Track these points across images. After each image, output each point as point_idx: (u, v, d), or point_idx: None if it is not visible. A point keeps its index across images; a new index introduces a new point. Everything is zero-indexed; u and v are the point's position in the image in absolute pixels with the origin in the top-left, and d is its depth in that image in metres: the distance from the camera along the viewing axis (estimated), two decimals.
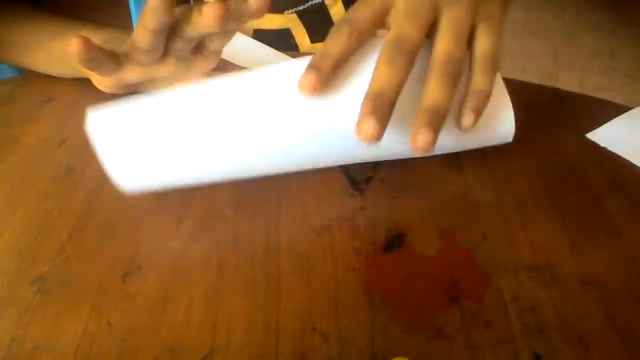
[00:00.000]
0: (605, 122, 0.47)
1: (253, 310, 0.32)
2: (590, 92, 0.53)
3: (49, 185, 0.40)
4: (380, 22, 0.38)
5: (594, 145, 0.45)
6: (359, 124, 0.33)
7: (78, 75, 0.48)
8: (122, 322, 0.31)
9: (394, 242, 0.36)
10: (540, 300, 0.33)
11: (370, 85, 0.34)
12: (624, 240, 0.37)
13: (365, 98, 0.34)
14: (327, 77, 0.35)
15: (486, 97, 0.36)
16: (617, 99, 0.51)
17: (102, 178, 0.41)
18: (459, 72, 0.35)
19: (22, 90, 0.51)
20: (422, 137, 0.33)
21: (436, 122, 0.34)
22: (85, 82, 0.52)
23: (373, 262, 0.35)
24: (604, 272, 0.34)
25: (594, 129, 0.46)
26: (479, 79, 0.36)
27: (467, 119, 0.36)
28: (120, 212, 0.38)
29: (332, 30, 0.37)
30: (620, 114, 0.47)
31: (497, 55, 0.37)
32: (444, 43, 0.35)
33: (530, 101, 0.50)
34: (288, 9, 0.64)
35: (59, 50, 0.47)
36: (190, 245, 0.36)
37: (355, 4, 0.38)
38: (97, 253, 0.35)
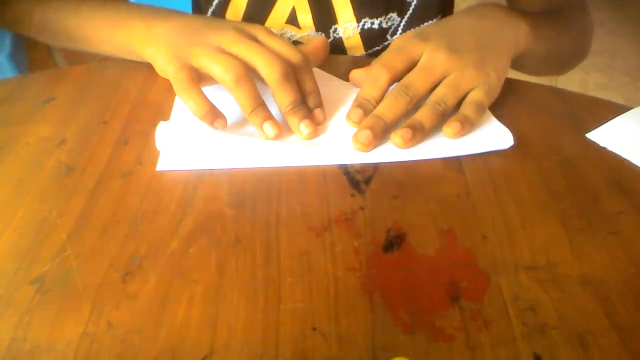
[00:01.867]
0: (605, 122, 0.47)
1: (253, 310, 0.32)
2: (590, 92, 0.53)
3: (49, 185, 0.40)
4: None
5: (594, 145, 0.45)
6: (356, 133, 0.42)
7: (141, 60, 0.50)
8: (122, 322, 0.31)
9: (394, 242, 0.36)
10: (540, 300, 0.33)
11: (376, 108, 0.44)
12: (624, 240, 0.37)
13: (368, 116, 0.43)
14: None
15: (469, 120, 0.43)
16: (617, 98, 0.51)
17: (102, 178, 0.41)
18: (445, 111, 0.43)
19: (22, 90, 0.51)
20: (402, 132, 0.42)
21: (416, 129, 0.42)
22: (85, 82, 0.52)
23: (373, 262, 0.35)
24: (604, 272, 0.34)
25: (594, 129, 0.46)
26: (464, 109, 0.44)
27: (453, 126, 0.43)
28: (120, 212, 0.38)
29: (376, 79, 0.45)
30: (620, 114, 0.47)
31: (482, 105, 0.44)
32: (440, 89, 0.44)
33: (530, 101, 0.50)
34: None
35: (121, 40, 0.50)
36: (190, 245, 0.36)
37: (391, 51, 0.46)
38: (97, 253, 0.35)
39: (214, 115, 0.43)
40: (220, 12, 0.63)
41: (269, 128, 0.42)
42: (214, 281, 0.34)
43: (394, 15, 0.62)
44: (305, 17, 0.61)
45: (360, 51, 0.64)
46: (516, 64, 0.52)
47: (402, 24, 0.62)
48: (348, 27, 0.61)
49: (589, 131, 0.46)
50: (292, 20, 0.61)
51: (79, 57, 0.55)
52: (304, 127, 0.43)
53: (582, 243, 0.36)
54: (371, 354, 0.30)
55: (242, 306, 0.32)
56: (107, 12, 0.51)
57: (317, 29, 0.62)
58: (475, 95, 0.45)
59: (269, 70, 0.43)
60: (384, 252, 0.35)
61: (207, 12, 0.64)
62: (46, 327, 0.31)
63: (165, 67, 0.45)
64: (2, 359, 0.30)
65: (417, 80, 0.44)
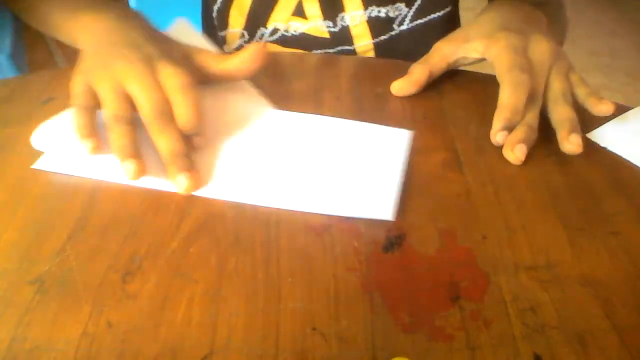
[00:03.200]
0: (605, 122, 0.47)
1: (253, 310, 0.32)
2: None
3: (49, 185, 0.40)
4: None
5: (594, 145, 0.45)
6: (515, 148, 0.42)
7: None
8: (122, 322, 0.31)
9: (394, 242, 0.36)
10: (540, 300, 0.33)
11: (525, 117, 0.44)
12: (624, 240, 0.37)
13: (520, 127, 0.43)
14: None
15: (575, 122, 0.43)
16: (617, 98, 0.51)
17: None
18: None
19: (22, 90, 0.51)
20: (518, 151, 0.42)
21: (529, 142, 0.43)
22: None
23: (373, 262, 0.35)
24: (604, 272, 0.34)
25: (594, 129, 0.46)
26: (561, 111, 0.44)
27: (573, 138, 0.42)
28: (120, 212, 0.38)
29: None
30: (620, 114, 0.47)
31: (569, 92, 0.45)
32: (560, 84, 0.46)
33: None
34: (316, 50, 0.64)
35: (67, 32, 0.50)
36: (190, 245, 0.36)
37: (506, 53, 0.46)
38: (97, 253, 0.35)
39: (90, 136, 0.41)
40: (225, 8, 0.63)
41: (129, 169, 0.39)
42: (214, 281, 0.34)
43: (401, 5, 0.62)
44: (313, 8, 0.61)
45: (367, 39, 0.64)
46: None
47: (409, 14, 0.62)
48: (355, 15, 0.61)
49: (589, 131, 0.46)
50: (299, 11, 0.61)
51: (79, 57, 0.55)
52: (183, 179, 0.39)
53: (582, 243, 0.36)
54: (371, 354, 0.30)
55: (242, 306, 0.32)
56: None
57: (325, 18, 0.62)
58: (580, 80, 0.46)
59: (143, 110, 0.41)
60: (384, 252, 0.35)
61: (213, 9, 0.64)
62: (46, 327, 0.31)
63: (73, 77, 0.44)
64: (2, 359, 0.30)
65: (540, 84, 0.45)
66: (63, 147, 0.43)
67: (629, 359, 0.30)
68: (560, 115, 0.44)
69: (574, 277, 0.34)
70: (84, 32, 0.48)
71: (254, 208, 0.38)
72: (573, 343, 0.30)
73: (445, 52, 0.50)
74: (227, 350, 0.30)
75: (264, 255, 0.35)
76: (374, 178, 0.40)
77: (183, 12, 0.57)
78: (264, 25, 0.63)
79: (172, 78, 0.41)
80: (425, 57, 0.51)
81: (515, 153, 0.42)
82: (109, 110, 0.41)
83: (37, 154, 0.43)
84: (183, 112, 0.41)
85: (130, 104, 0.41)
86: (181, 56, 0.45)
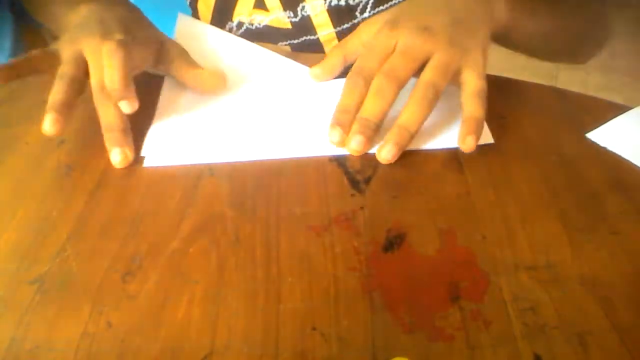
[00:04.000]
0: (605, 122, 0.46)
1: (253, 310, 0.32)
2: (591, 92, 0.53)
3: (49, 185, 0.40)
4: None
5: (594, 145, 0.45)
6: (348, 139, 0.42)
7: None
8: (122, 322, 0.31)
9: (394, 242, 0.36)
10: (540, 300, 0.32)
11: (360, 111, 0.42)
12: (624, 240, 0.36)
13: (355, 121, 0.42)
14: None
15: (480, 122, 0.42)
16: (617, 98, 0.51)
17: (102, 178, 0.41)
18: (435, 98, 0.41)
19: (22, 90, 0.51)
20: (386, 153, 0.41)
21: (403, 140, 0.41)
22: None
23: (373, 262, 0.35)
24: (604, 272, 0.34)
25: (594, 129, 0.46)
26: (472, 109, 0.42)
27: (469, 141, 0.41)
28: (120, 212, 0.38)
29: (353, 84, 0.43)
30: (620, 114, 0.47)
31: (484, 92, 0.42)
32: (427, 74, 0.42)
33: (530, 101, 0.50)
34: (282, 42, 0.64)
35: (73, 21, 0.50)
36: (190, 245, 0.36)
37: (364, 53, 0.44)
38: (97, 253, 0.35)
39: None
40: (194, 2, 0.65)
41: (46, 125, 0.41)
42: (214, 281, 0.34)
43: None
44: None
45: (329, 29, 0.62)
46: (507, 43, 0.51)
47: (370, 1, 0.61)
48: (316, 5, 0.61)
49: (589, 131, 0.46)
50: (260, 3, 0.62)
51: None
52: (115, 154, 0.42)
53: (582, 243, 0.36)
54: (371, 353, 0.30)
55: (242, 306, 0.32)
56: None
57: (285, 9, 0.61)
58: (473, 84, 0.42)
59: (91, 81, 0.43)
60: (384, 252, 0.35)
61: (187, 2, 0.66)
62: (46, 327, 0.31)
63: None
64: (2, 359, 0.30)
65: (399, 65, 0.42)
66: (173, 144, 0.45)
67: (629, 359, 0.30)
68: (467, 112, 0.42)
69: (574, 277, 0.34)
70: (75, 19, 0.49)
71: (254, 208, 0.38)
72: (573, 343, 0.30)
73: (363, 38, 0.48)
74: (227, 350, 0.30)
75: (264, 255, 0.35)
76: (456, 112, 0.43)
77: (165, 7, 0.58)
78: (230, 19, 0.63)
79: (110, 50, 0.43)
80: (344, 40, 0.49)
81: (351, 146, 0.42)
82: (61, 69, 0.43)
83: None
84: (108, 75, 0.42)
85: (84, 69, 0.43)
86: (152, 41, 0.47)
